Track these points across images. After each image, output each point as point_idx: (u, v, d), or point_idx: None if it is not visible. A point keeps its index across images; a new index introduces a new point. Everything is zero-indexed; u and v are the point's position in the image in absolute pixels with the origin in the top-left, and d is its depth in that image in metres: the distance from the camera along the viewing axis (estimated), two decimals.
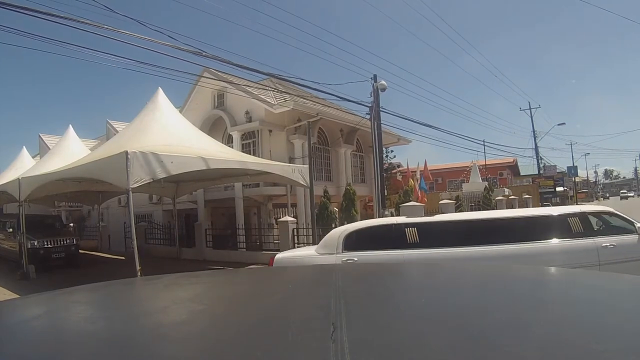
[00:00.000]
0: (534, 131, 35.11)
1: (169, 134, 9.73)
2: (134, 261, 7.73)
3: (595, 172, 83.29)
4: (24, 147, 17.47)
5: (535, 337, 0.93)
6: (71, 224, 20.77)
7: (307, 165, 11.79)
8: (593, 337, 0.93)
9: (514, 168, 42.84)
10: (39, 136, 23.69)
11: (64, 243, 13.32)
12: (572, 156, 45.93)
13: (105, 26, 7.41)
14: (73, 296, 1.66)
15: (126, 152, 7.48)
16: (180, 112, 15.45)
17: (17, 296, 6.61)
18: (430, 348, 0.89)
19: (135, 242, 7.86)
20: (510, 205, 19.10)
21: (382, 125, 14.94)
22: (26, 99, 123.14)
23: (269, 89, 15.60)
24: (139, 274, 7.32)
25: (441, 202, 14.45)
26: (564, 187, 39.42)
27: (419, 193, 16.51)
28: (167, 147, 8.66)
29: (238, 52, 67.20)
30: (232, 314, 1.32)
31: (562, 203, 37.21)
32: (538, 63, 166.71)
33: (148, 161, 7.76)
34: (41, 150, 21.92)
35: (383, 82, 13.38)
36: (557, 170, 39.16)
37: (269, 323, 1.13)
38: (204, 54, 8.81)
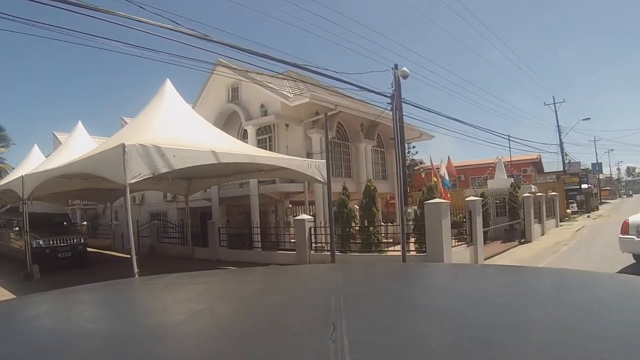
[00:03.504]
0: (558, 126, 33.93)
1: (175, 127, 9.10)
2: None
3: (618, 168, 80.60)
4: (35, 144, 17.27)
5: (535, 337, 0.91)
6: (84, 223, 20.49)
7: (324, 160, 11.05)
8: (593, 338, 0.91)
9: (537, 164, 41.40)
10: (53, 134, 23.51)
11: (71, 242, 12.90)
12: (596, 152, 44.51)
13: (100, 8, 6.80)
14: (73, 296, 1.66)
15: (123, 145, 6.92)
16: (194, 106, 14.96)
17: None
18: (430, 348, 0.88)
19: (133, 243, 7.32)
20: (537, 202, 17.96)
21: (404, 118, 14.10)
22: (44, 97, 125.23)
23: (286, 77, 14.82)
24: (136, 276, 6.77)
25: (467, 198, 13.51)
26: (588, 184, 38.24)
27: (442, 190, 15.62)
28: (171, 140, 8.06)
29: (251, 39, 66.37)
30: (232, 313, 1.31)
31: (587, 201, 35.81)
32: (561, 56, 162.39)
33: (148, 154, 7.18)
34: (55, 148, 21.71)
35: (405, 69, 12.53)
36: (581, 167, 38.01)
37: (269, 323, 1.12)
38: (208, 38, 8.15)
